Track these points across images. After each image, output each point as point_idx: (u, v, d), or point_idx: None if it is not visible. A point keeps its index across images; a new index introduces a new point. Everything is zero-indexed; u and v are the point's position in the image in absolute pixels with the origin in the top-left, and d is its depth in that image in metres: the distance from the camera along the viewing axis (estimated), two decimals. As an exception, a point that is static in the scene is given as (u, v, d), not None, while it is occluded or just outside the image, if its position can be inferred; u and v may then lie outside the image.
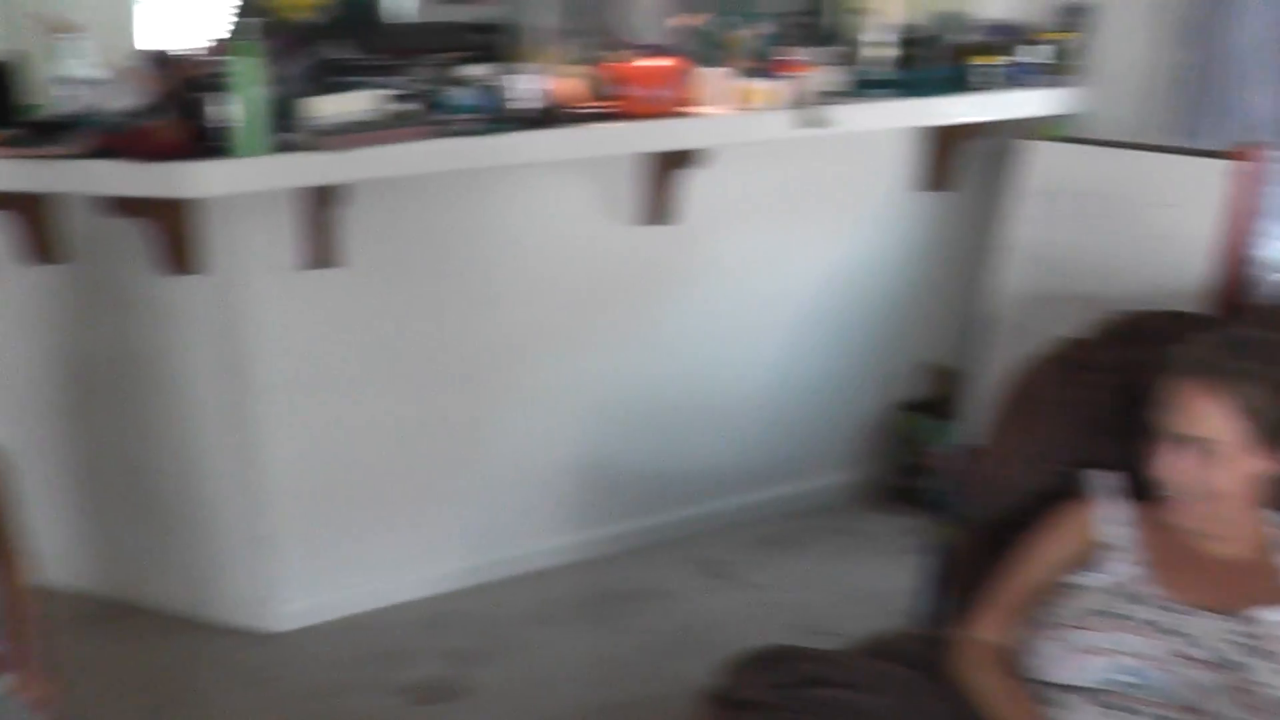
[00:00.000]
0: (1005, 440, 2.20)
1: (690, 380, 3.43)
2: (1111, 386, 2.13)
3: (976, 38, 3.31)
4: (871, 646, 1.97)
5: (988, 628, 1.96)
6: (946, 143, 3.44)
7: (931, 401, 3.69)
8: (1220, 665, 1.73)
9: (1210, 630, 1.77)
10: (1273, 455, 1.85)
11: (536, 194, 3.07)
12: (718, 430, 3.52)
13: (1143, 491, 1.98)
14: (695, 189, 3.18)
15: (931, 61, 3.24)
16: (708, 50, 3.10)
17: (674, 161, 3.06)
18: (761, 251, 3.42)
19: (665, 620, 3.09)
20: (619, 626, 3.07)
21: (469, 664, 2.89)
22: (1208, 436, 1.82)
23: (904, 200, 3.57)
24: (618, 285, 3.27)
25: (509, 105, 2.75)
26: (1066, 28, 3.29)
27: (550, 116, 2.79)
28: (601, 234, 3.18)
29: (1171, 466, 1.86)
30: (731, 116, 2.98)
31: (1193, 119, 2.92)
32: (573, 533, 3.38)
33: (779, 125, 2.99)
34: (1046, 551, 1.99)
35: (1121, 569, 1.89)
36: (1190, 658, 1.74)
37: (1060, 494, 2.06)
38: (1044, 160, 2.77)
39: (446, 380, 3.12)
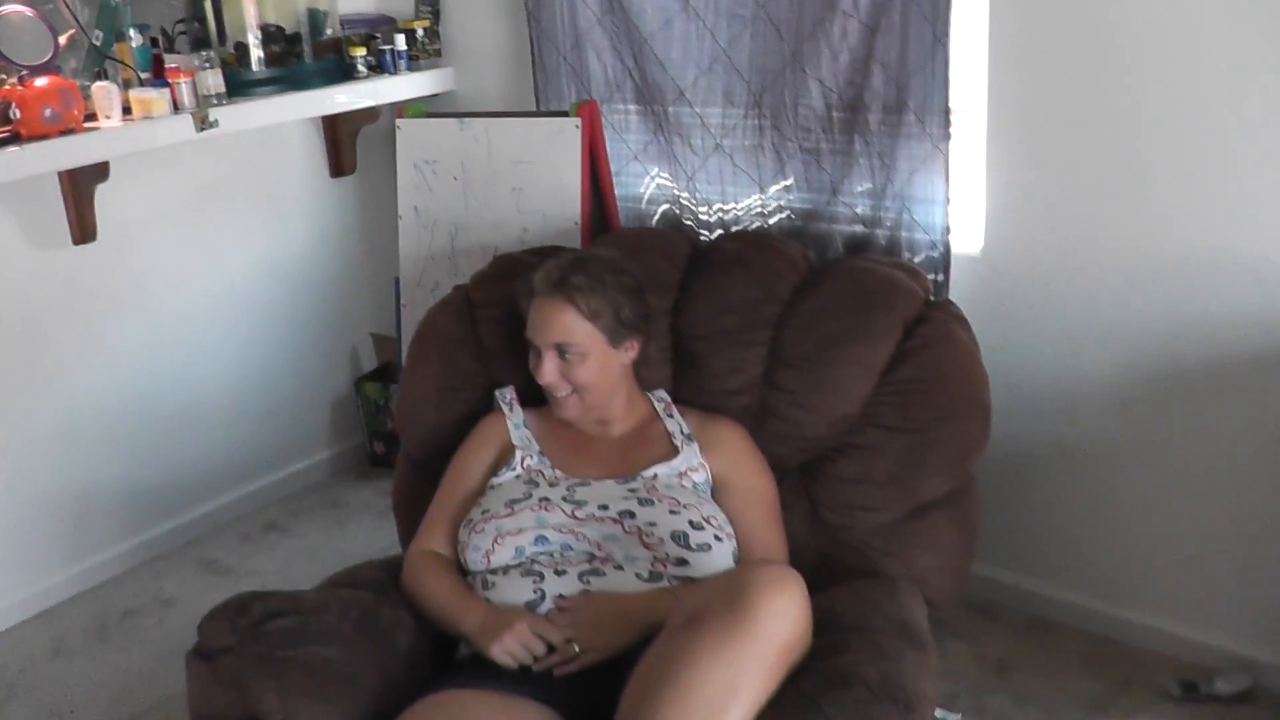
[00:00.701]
0: (415, 381, 2.52)
1: (156, 390, 3.47)
2: (496, 318, 2.51)
3: (349, 31, 3.52)
4: (332, 580, 2.20)
5: (429, 539, 2.24)
6: (340, 131, 3.66)
7: (388, 367, 3.96)
8: (617, 518, 2.09)
9: (609, 493, 2.15)
10: (624, 347, 2.29)
11: None
12: (196, 433, 3.58)
13: (539, 399, 2.39)
14: (116, 203, 3.20)
15: (312, 56, 3.40)
16: (96, 64, 3.11)
17: (87, 178, 3.07)
18: (192, 252, 3.49)
19: (174, 626, 3.16)
20: (131, 642, 3.12)
21: (-17, 716, 2.87)
22: (560, 341, 2.21)
23: (317, 187, 3.76)
24: (63, 307, 3.24)
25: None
26: (423, 15, 3.60)
27: None
28: (33, 260, 3.14)
29: (543, 372, 2.23)
30: (130, 127, 3.00)
31: (540, 85, 3.32)
32: (74, 563, 3.36)
33: (174, 130, 3.05)
34: (468, 464, 2.31)
35: (529, 462, 2.25)
36: (593, 518, 2.10)
37: (476, 415, 2.43)
38: (412, 136, 3.08)
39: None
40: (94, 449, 3.37)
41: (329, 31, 3.44)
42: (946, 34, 2.61)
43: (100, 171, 3.07)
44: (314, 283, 3.83)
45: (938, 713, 2.52)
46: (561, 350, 2.22)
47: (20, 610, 3.25)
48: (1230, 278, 2.45)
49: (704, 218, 3.14)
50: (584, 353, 2.23)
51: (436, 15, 3.61)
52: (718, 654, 1.64)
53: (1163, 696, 2.59)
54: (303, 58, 3.39)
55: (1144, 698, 2.60)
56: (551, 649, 1.95)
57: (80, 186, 3.09)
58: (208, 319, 3.58)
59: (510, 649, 1.94)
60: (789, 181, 2.96)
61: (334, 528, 3.65)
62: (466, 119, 3.02)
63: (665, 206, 3.22)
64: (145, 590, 3.37)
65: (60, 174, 3.04)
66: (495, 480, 2.25)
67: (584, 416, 2.29)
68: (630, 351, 2.29)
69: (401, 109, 3.13)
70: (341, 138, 3.69)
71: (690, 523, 2.09)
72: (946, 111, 2.66)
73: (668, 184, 3.19)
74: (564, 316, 2.22)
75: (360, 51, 3.45)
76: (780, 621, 1.68)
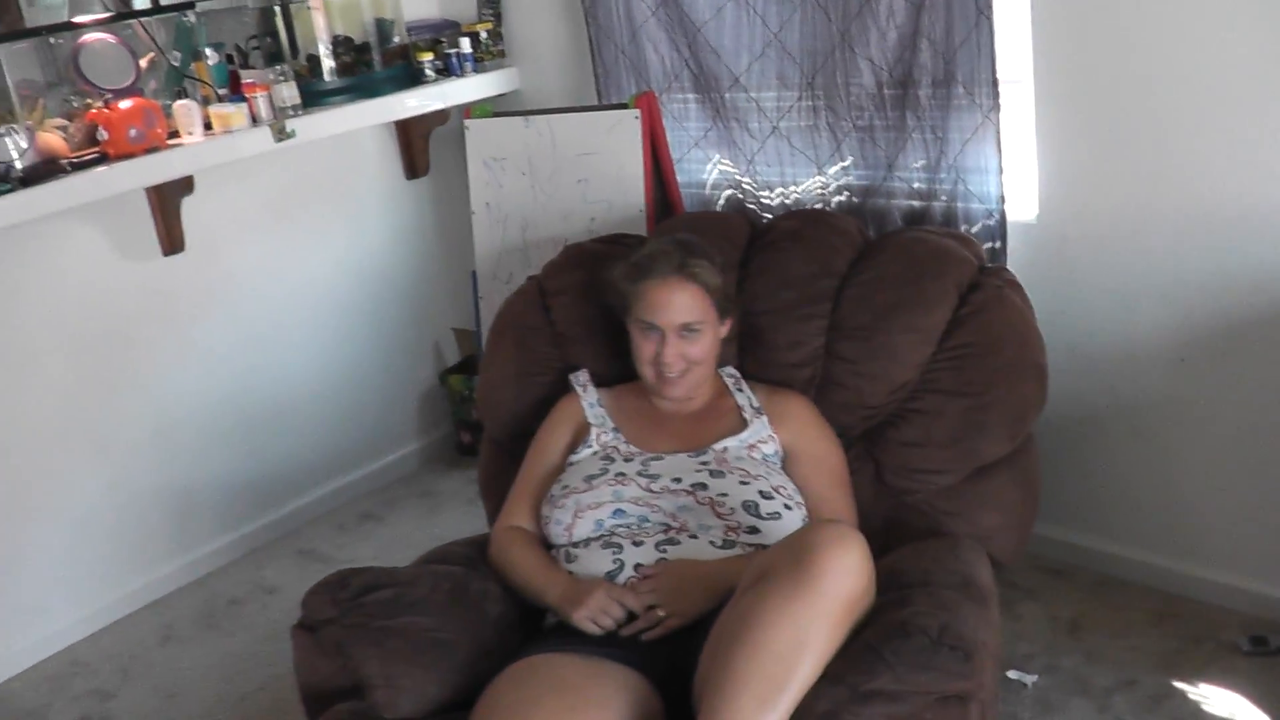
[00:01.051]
0: (494, 367, 2.64)
1: (248, 390, 3.62)
2: (568, 304, 2.63)
3: (416, 37, 3.65)
4: (424, 558, 2.33)
5: (514, 515, 2.36)
6: (412, 133, 3.80)
7: (471, 359, 4.09)
8: (692, 490, 2.20)
9: (682, 465, 2.25)
10: (725, 323, 2.39)
11: (51, 247, 3.15)
12: (288, 430, 3.74)
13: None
14: (201, 214, 3.35)
15: (381, 63, 3.54)
16: (176, 83, 3.28)
17: (173, 192, 3.22)
18: (276, 257, 3.63)
19: (276, 612, 3.32)
20: (236, 627, 3.29)
21: (103, 700, 3.04)
22: (688, 320, 2.31)
23: (393, 189, 3.90)
24: (156, 315, 3.39)
25: (-1, 167, 2.81)
26: (486, 18, 3.72)
27: (42, 171, 2.86)
28: (126, 271, 3.30)
29: (667, 353, 2.30)
30: (212, 141, 3.14)
31: (601, 79, 3.43)
32: (180, 555, 3.53)
33: (254, 143, 3.20)
34: (548, 443, 2.43)
35: (604, 438, 2.36)
36: (668, 490, 2.20)
37: (554, 398, 2.54)
38: (481, 135, 3.20)
39: (10, 442, 3.17)
40: (192, 448, 3.54)
41: (396, 39, 3.58)
42: (990, 6, 2.67)
43: (185, 185, 3.24)
44: (394, 281, 3.97)
45: (1012, 674, 2.60)
46: (685, 329, 2.32)
47: (130, 601, 3.44)
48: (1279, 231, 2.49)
49: (766, 202, 3.23)
50: (702, 330, 2.33)
51: (499, 17, 3.73)
52: (784, 610, 1.73)
53: (1232, 651, 2.63)
54: (372, 66, 3.53)
55: (1214, 653, 2.64)
56: (633, 616, 2.04)
57: (167, 200, 3.26)
58: (294, 320, 3.73)
59: (592, 614, 2.04)
60: (846, 163, 3.04)
61: (426, 515, 3.79)
62: (530, 116, 3.14)
63: (729, 192, 3.31)
64: (248, 579, 3.54)
65: (148, 189, 3.21)
66: (574, 457, 2.37)
67: (687, 394, 2.38)
68: (726, 327, 2.41)
69: (468, 110, 3.25)
70: (414, 140, 3.82)
71: (760, 492, 2.19)
72: (995, 83, 2.72)
73: (729, 169, 3.28)
74: (689, 295, 2.31)
75: (427, 56, 3.59)
76: (843, 577, 1.76)
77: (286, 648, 3.07)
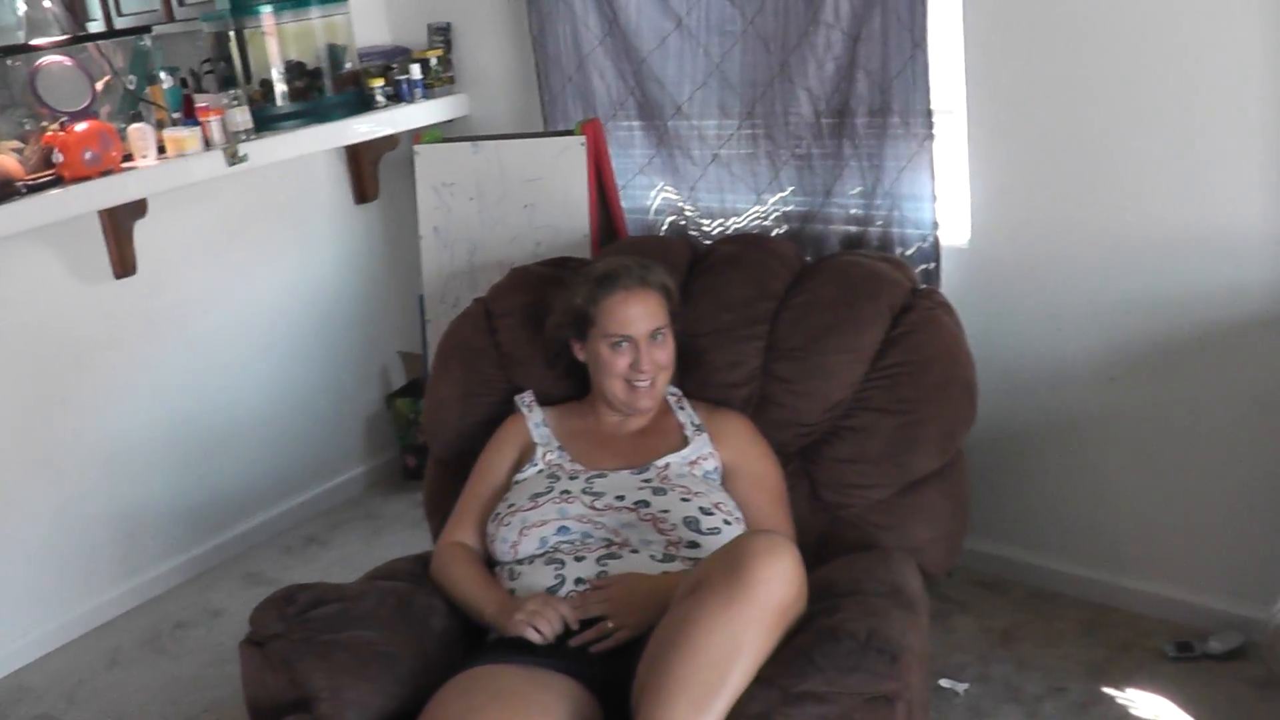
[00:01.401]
0: (440, 388, 2.69)
1: (197, 413, 3.64)
2: (513, 326, 2.68)
3: (367, 64, 3.70)
4: (370, 575, 2.38)
5: (457, 531, 2.40)
6: (362, 159, 3.85)
7: (417, 383, 4.11)
8: (635, 507, 2.25)
9: (625, 483, 2.31)
10: (676, 332, 2.45)
11: (2, 269, 3.15)
12: (236, 453, 3.75)
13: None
14: (154, 237, 3.37)
15: (333, 89, 3.57)
16: (131, 107, 3.30)
17: (126, 215, 3.24)
18: (227, 280, 3.66)
19: (222, 635, 3.33)
20: (182, 651, 3.30)
21: (49, 725, 3.06)
22: (657, 325, 2.38)
23: (342, 213, 3.94)
24: (108, 338, 3.40)
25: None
26: (436, 45, 3.78)
27: None
28: (78, 294, 3.32)
29: (643, 361, 2.36)
30: (165, 165, 3.17)
31: (547, 106, 3.50)
32: (127, 579, 3.53)
33: (207, 166, 3.23)
34: (493, 462, 2.48)
35: (549, 457, 2.42)
36: (611, 507, 2.26)
37: (499, 418, 2.59)
38: (430, 160, 3.26)
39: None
40: (141, 471, 3.54)
41: (348, 65, 3.62)
42: (925, 38, 2.77)
43: (139, 209, 3.26)
44: (343, 305, 4.01)
45: (944, 682, 2.67)
46: (654, 335, 2.39)
47: (78, 625, 3.44)
48: (1202, 252, 2.60)
49: (706, 228, 3.30)
50: (667, 335, 2.42)
51: (449, 45, 3.79)
52: (719, 617, 1.79)
53: (1159, 657, 2.72)
54: (324, 91, 3.56)
55: (1141, 659, 2.73)
56: (570, 633, 2.07)
57: (120, 223, 3.28)
58: (244, 344, 3.76)
59: (528, 616, 2.07)
60: (786, 192, 3.12)
61: (371, 538, 3.81)
62: (479, 142, 3.20)
63: (672, 218, 3.39)
64: (194, 603, 3.55)
65: (101, 213, 3.23)
66: (519, 476, 2.41)
67: (654, 404, 2.44)
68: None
69: (418, 135, 3.31)
70: (363, 165, 3.87)
71: (700, 509, 2.25)
72: (929, 112, 2.81)
73: (672, 196, 3.36)
74: (654, 303, 2.40)
75: (378, 82, 3.63)
76: (775, 585, 1.82)
77: (233, 671, 3.11)
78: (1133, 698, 2.61)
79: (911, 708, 1.84)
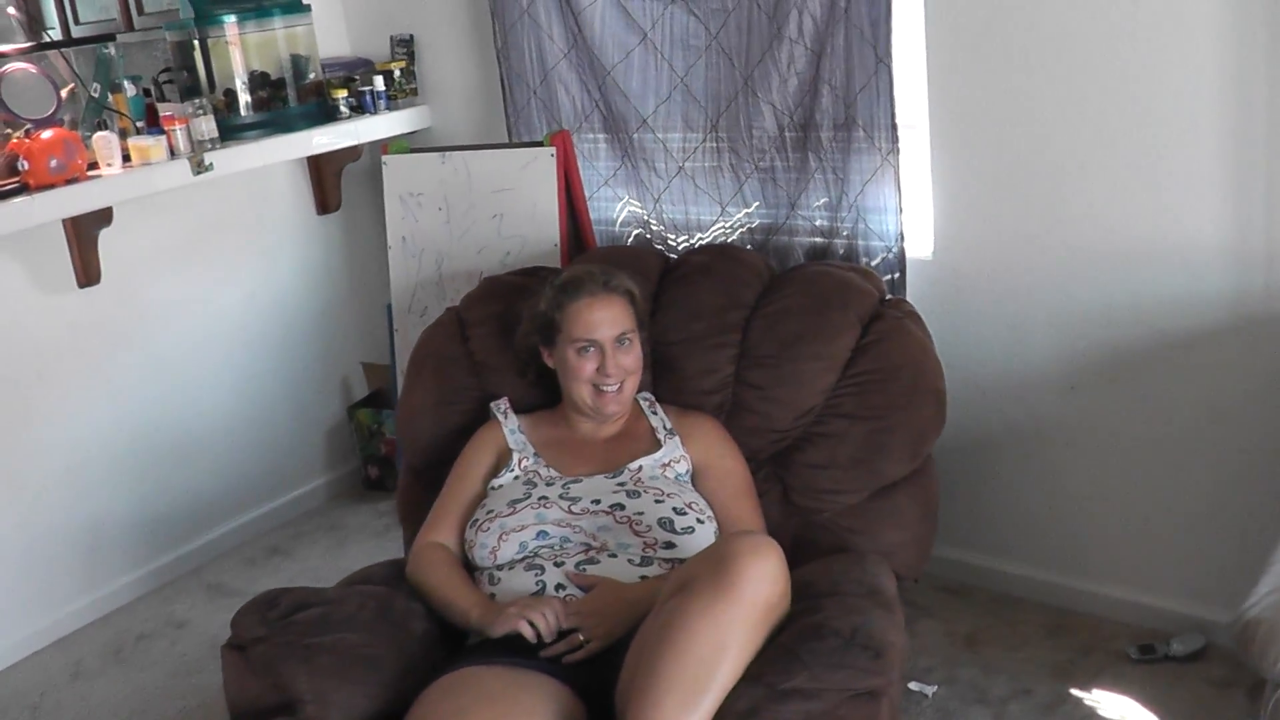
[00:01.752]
0: (412, 398, 2.71)
1: (159, 424, 3.61)
2: (486, 335, 2.71)
3: (330, 75, 3.70)
4: (347, 580, 2.39)
5: (435, 532, 2.41)
6: (325, 170, 3.85)
7: (378, 394, 4.13)
8: (609, 510, 2.29)
9: (600, 487, 2.35)
10: (643, 337, 2.49)
11: None
12: (198, 464, 3.73)
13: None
14: (117, 246, 3.35)
15: (297, 100, 3.57)
16: (95, 115, 3.28)
17: (90, 223, 3.22)
18: (190, 290, 3.65)
19: (187, 646, 3.32)
20: (146, 662, 3.27)
21: (11, 739, 3.02)
22: (622, 330, 2.41)
23: (304, 224, 3.94)
24: (70, 347, 3.38)
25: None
26: (399, 57, 3.80)
27: None
28: (40, 304, 3.29)
29: (610, 364, 2.39)
30: (131, 173, 3.15)
31: (511, 118, 3.52)
32: (88, 592, 3.50)
33: (172, 175, 3.22)
34: (470, 467, 2.49)
35: (525, 463, 2.44)
36: (588, 511, 2.29)
37: (475, 426, 2.61)
38: (397, 170, 3.27)
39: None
40: (102, 483, 3.52)
41: (311, 75, 3.62)
42: (889, 54, 2.83)
43: (104, 217, 3.24)
44: (304, 316, 4.00)
45: (914, 685, 2.72)
46: (620, 339, 2.42)
47: (39, 638, 3.40)
48: (1158, 264, 2.67)
49: (671, 242, 3.34)
50: (633, 339, 2.45)
51: (412, 56, 3.81)
52: (706, 616, 1.82)
53: (1121, 660, 2.79)
54: (288, 101, 3.56)
55: (1104, 662, 2.79)
56: (560, 637, 2.08)
57: (84, 232, 3.26)
58: (206, 354, 3.74)
59: (522, 611, 2.09)
60: (751, 206, 3.17)
61: (334, 549, 3.80)
62: (448, 152, 3.22)
63: (637, 230, 3.42)
64: (157, 615, 3.52)
65: (65, 221, 3.21)
66: (496, 482, 2.43)
67: (621, 409, 2.47)
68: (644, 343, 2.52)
69: (386, 146, 3.32)
70: (326, 176, 3.87)
71: (674, 509, 2.28)
72: (894, 126, 2.87)
73: (636, 208, 3.40)
74: (619, 308, 2.43)
75: (341, 93, 3.64)
76: (761, 584, 1.86)
77: (198, 681, 3.14)
78: (1098, 698, 2.67)
79: (893, 704, 1.88)
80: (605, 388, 2.42)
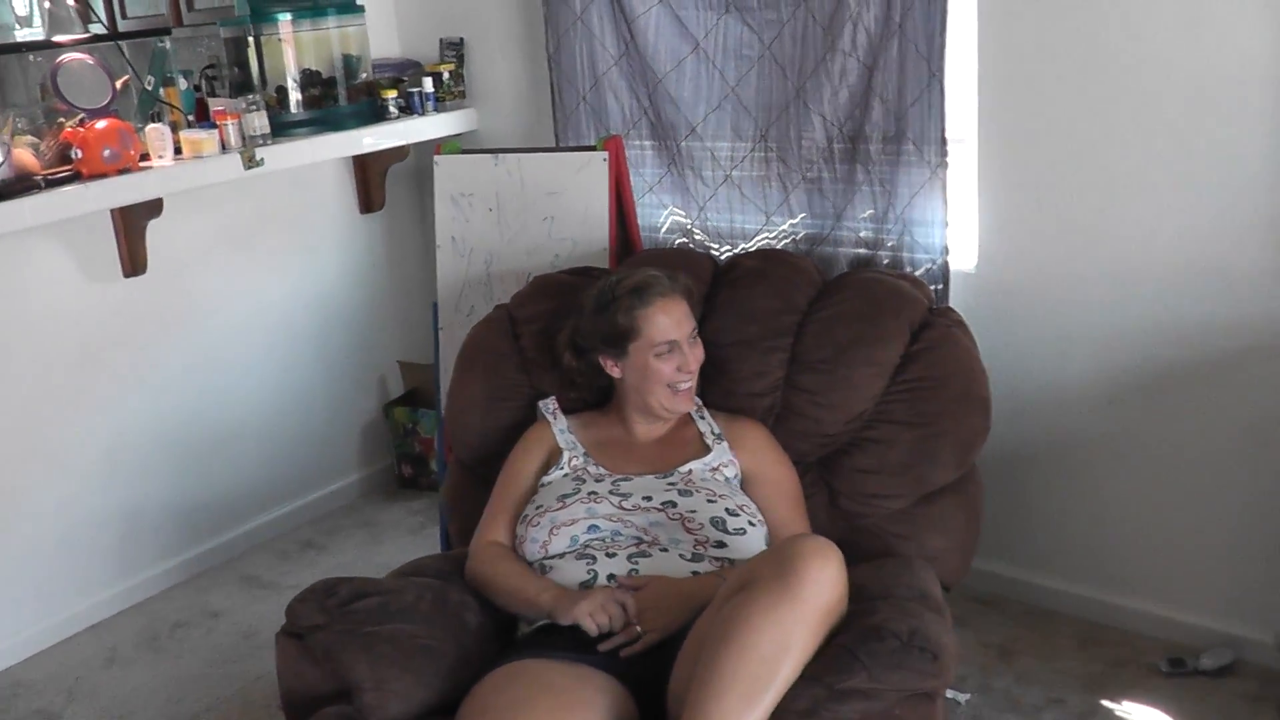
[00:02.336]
0: (462, 394, 2.73)
1: (198, 416, 3.66)
2: (536, 333, 2.73)
3: (379, 75, 3.76)
4: (399, 571, 2.42)
5: (492, 531, 2.44)
6: (370, 169, 3.89)
7: (415, 393, 4.17)
8: (661, 507, 2.32)
9: (650, 486, 2.37)
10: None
11: (15, 263, 3.17)
12: (235, 456, 3.78)
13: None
14: (165, 238, 3.40)
15: (347, 99, 3.61)
16: (149, 107, 3.33)
17: (139, 214, 3.26)
18: (233, 284, 3.70)
19: (221, 635, 3.36)
20: (182, 650, 3.31)
21: (49, 720, 3.06)
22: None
23: (349, 222, 3.99)
24: (114, 336, 3.42)
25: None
26: (449, 59, 3.85)
27: (16, 187, 2.89)
28: (87, 291, 3.33)
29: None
30: (182, 165, 3.20)
31: (559, 122, 3.56)
32: (126, 578, 3.54)
33: (224, 169, 3.26)
34: (521, 466, 2.52)
35: (575, 462, 2.47)
36: (638, 507, 2.32)
37: (525, 423, 2.64)
38: (448, 171, 3.29)
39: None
40: (141, 470, 3.56)
41: (363, 76, 3.67)
42: (942, 69, 2.87)
43: (154, 208, 3.28)
44: (344, 313, 4.04)
45: (949, 693, 2.74)
46: (691, 337, 2.48)
47: (73, 623, 3.44)
48: (1200, 284, 2.72)
49: (715, 250, 3.37)
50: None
51: (461, 59, 3.86)
52: (769, 615, 1.85)
53: (1153, 673, 2.82)
54: (338, 100, 3.61)
55: (1136, 675, 2.82)
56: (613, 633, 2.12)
57: (133, 222, 3.30)
58: (245, 348, 3.78)
59: (593, 609, 2.12)
60: (796, 216, 3.21)
61: (368, 545, 3.84)
62: (500, 154, 3.25)
63: (681, 239, 3.46)
64: (192, 604, 3.56)
65: (114, 211, 3.25)
66: (546, 479, 2.46)
67: (690, 406, 2.52)
68: None
69: (439, 146, 3.36)
70: (371, 176, 3.92)
71: (727, 510, 2.32)
72: (944, 141, 2.91)
73: (681, 217, 3.44)
74: (687, 306, 2.49)
75: (391, 94, 3.69)
76: (823, 586, 1.89)
77: (234, 670, 3.18)
78: (1129, 710, 2.70)
79: (945, 707, 1.91)
80: (683, 385, 2.47)
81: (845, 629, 1.93)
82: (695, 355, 2.48)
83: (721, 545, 2.27)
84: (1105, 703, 2.73)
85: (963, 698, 2.75)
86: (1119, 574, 3.01)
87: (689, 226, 3.42)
